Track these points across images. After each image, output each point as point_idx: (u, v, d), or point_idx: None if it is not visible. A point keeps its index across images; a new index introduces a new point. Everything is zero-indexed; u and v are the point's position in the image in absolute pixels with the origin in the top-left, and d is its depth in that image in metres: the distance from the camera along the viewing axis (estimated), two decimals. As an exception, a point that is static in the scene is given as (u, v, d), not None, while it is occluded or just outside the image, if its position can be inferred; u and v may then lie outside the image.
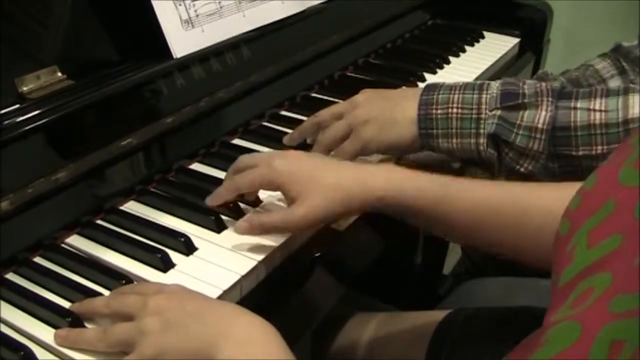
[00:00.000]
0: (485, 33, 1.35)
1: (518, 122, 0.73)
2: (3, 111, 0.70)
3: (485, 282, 1.02)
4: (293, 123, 0.99)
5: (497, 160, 0.76)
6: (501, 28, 1.35)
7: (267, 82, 0.98)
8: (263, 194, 0.78)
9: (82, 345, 0.58)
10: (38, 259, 0.70)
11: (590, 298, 0.36)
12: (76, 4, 0.80)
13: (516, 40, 1.33)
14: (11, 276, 0.68)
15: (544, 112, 0.72)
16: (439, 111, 0.77)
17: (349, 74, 1.17)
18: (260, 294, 0.70)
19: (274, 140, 0.93)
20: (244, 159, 0.73)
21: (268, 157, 0.72)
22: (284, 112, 1.02)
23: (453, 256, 1.48)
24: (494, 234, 0.64)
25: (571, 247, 0.41)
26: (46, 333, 0.61)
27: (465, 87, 0.78)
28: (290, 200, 0.69)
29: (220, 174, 0.85)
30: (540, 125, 0.72)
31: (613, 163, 0.43)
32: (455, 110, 0.76)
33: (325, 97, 1.08)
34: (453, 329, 0.86)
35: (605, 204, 0.40)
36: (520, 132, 0.73)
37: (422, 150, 0.82)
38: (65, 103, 0.73)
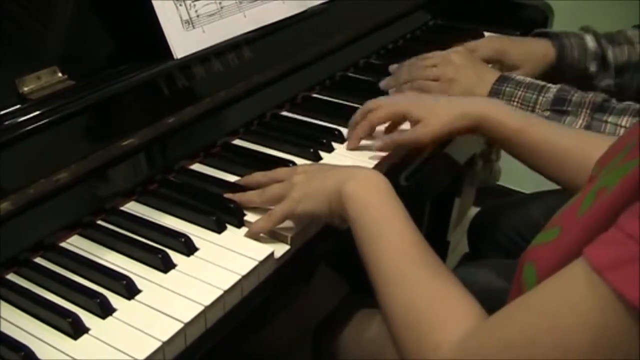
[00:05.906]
0: (486, 33, 1.35)
1: (560, 124, 0.89)
2: (3, 112, 0.70)
3: (484, 264, 1.03)
4: (294, 123, 1.00)
5: None
6: (502, 28, 1.35)
7: (268, 82, 0.98)
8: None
9: (244, 201, 0.77)
10: (39, 260, 0.70)
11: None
12: (77, 5, 0.81)
13: (517, 40, 1.33)
14: (12, 277, 0.68)
15: (580, 121, 0.89)
16: (504, 100, 0.96)
17: (350, 74, 1.17)
18: (262, 294, 0.70)
19: (276, 141, 0.93)
20: (369, 104, 0.92)
21: (391, 99, 0.96)
22: (285, 113, 1.02)
23: (454, 257, 1.48)
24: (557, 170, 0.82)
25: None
26: (47, 333, 0.61)
27: (529, 85, 0.97)
28: (414, 123, 0.89)
29: (221, 175, 0.85)
30: None
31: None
32: (515, 104, 0.96)
33: (327, 98, 1.08)
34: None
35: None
36: None
37: None
38: (65, 103, 0.73)
